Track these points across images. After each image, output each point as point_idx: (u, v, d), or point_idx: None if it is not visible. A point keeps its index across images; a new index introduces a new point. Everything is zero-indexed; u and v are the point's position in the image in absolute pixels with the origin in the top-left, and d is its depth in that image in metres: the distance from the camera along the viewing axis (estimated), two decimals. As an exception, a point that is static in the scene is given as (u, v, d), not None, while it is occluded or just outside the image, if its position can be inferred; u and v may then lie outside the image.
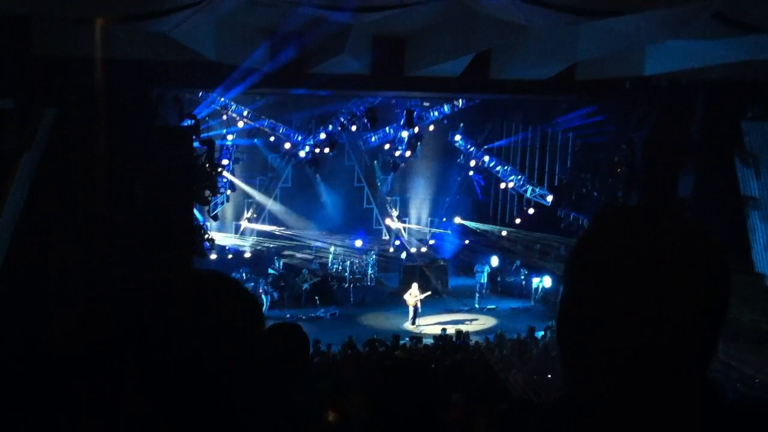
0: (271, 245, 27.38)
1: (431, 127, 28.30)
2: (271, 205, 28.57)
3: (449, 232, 29.80)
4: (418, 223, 30.75)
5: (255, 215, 28.44)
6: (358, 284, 25.40)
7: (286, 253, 27.05)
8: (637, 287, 1.36)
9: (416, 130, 26.68)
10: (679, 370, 1.37)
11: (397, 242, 28.76)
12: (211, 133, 24.08)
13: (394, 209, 30.09)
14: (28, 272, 13.09)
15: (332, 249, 26.75)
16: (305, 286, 24.53)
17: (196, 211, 21.11)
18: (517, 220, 27.96)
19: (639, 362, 1.36)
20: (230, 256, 26.64)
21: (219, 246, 25.14)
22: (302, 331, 4.89)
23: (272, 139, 27.48)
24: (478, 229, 28.73)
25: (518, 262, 26.15)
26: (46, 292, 12.38)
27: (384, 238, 28.41)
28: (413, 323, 21.87)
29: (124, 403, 1.32)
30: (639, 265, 1.37)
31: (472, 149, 28.85)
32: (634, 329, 1.36)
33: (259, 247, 27.31)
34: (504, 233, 27.98)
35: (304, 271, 25.26)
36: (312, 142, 27.04)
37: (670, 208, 1.48)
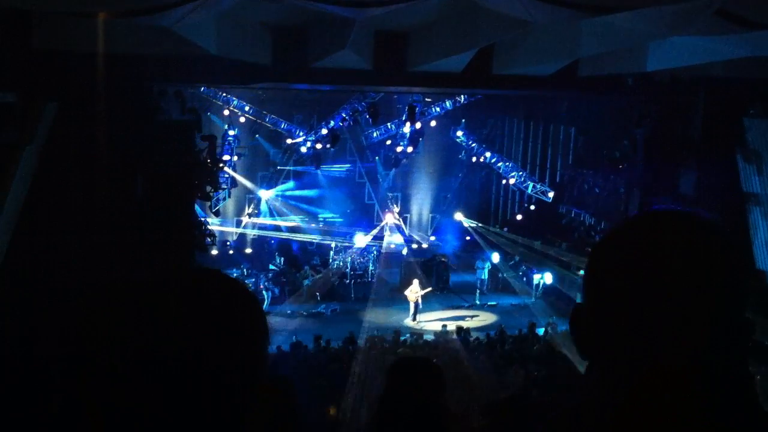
0: (272, 241, 27.41)
1: (433, 123, 28.29)
2: (272, 200, 28.59)
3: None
4: (420, 219, 30.75)
5: (256, 211, 28.46)
6: (359, 280, 25.41)
7: (286, 248, 27.05)
8: (675, 293, 1.39)
9: (418, 125, 26.68)
10: (711, 372, 1.39)
11: (400, 237, 28.74)
12: (213, 130, 24.08)
13: (395, 205, 30.09)
14: (29, 266, 13.11)
15: (333, 245, 26.76)
16: (306, 281, 24.54)
17: (197, 207, 21.13)
18: (519, 217, 27.97)
19: (674, 364, 1.39)
20: (231, 252, 26.67)
21: (220, 241, 25.17)
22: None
23: (274, 134, 27.49)
24: (478, 226, 28.70)
25: (517, 258, 26.16)
26: (47, 286, 12.39)
27: (385, 233, 28.41)
28: (414, 319, 21.87)
29: (125, 402, 1.31)
30: (673, 272, 1.40)
31: (473, 145, 28.85)
32: (669, 333, 1.39)
33: (260, 237, 27.39)
34: (505, 229, 28.03)
35: (305, 266, 25.27)
36: (313, 138, 27.05)
37: (699, 214, 1.51)
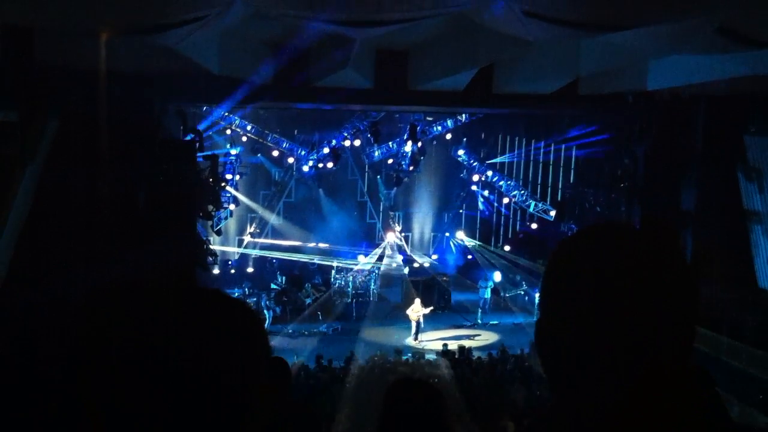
0: (274, 260, 27.39)
1: (434, 142, 28.34)
2: (274, 219, 28.59)
3: (452, 247, 29.83)
4: (421, 238, 30.73)
5: (258, 230, 28.46)
6: (360, 299, 25.37)
7: (288, 268, 27.03)
8: (614, 300, 1.44)
9: (419, 144, 26.72)
10: (661, 370, 1.42)
11: (400, 257, 28.72)
12: (214, 149, 24.11)
13: (397, 224, 30.08)
14: (30, 282, 13.09)
15: (335, 264, 26.73)
16: (308, 300, 24.51)
17: (199, 226, 21.12)
18: (520, 235, 27.95)
19: (626, 366, 1.43)
20: (233, 271, 26.64)
21: (222, 260, 25.15)
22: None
23: (276, 153, 27.55)
24: (479, 246, 28.68)
25: (519, 277, 26.11)
26: (48, 302, 12.38)
27: (387, 252, 28.40)
28: (416, 338, 21.81)
29: (124, 403, 1.31)
30: (613, 281, 1.45)
31: (475, 164, 28.88)
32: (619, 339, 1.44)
33: (262, 256, 27.37)
34: (507, 248, 28.00)
35: (306, 285, 25.24)
36: (315, 157, 27.09)
37: (632, 226, 1.59)
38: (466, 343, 20.36)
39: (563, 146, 25.39)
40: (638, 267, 1.45)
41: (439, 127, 27.33)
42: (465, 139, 28.97)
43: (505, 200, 28.56)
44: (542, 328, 1.55)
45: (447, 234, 30.39)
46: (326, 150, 26.66)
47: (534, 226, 27.10)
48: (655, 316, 1.43)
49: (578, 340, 1.47)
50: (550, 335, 1.53)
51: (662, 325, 1.44)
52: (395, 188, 29.48)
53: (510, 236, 29.09)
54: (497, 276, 26.05)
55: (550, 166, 26.59)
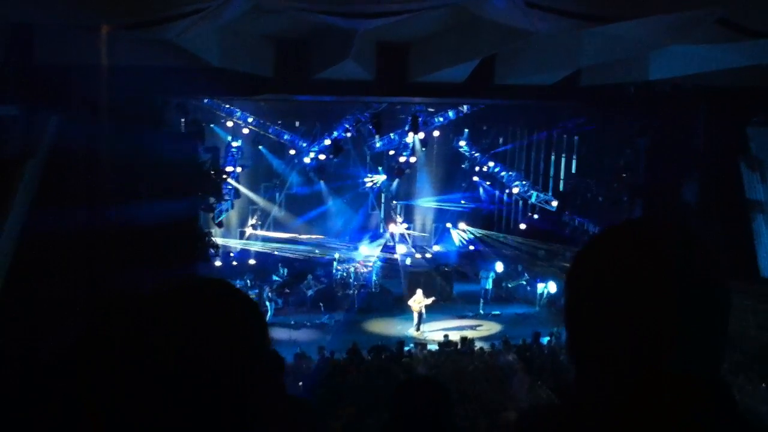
0: (276, 252, 27.39)
1: (436, 133, 28.29)
2: (275, 211, 28.58)
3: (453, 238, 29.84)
4: (423, 229, 30.73)
5: (260, 222, 28.46)
6: (362, 290, 25.38)
7: (289, 259, 27.03)
8: (636, 296, 1.44)
9: (421, 135, 26.68)
10: (676, 372, 1.42)
11: (402, 247, 28.71)
12: (216, 141, 24.12)
13: (398, 215, 30.07)
14: (32, 277, 13.11)
15: (337, 255, 26.74)
16: (310, 292, 24.50)
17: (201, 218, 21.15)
18: (522, 226, 27.94)
19: (638, 363, 1.43)
20: (235, 263, 26.64)
21: (224, 252, 25.16)
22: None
23: (277, 145, 27.53)
24: (482, 235, 28.70)
25: (520, 267, 26.11)
26: (51, 297, 12.40)
27: (388, 244, 28.40)
28: (418, 329, 21.83)
29: (125, 404, 1.32)
30: (638, 277, 1.45)
31: (477, 155, 28.84)
32: (635, 334, 1.44)
33: (264, 251, 27.35)
34: (508, 238, 28.01)
35: (308, 277, 25.25)
36: (317, 149, 27.07)
37: (669, 222, 1.58)
38: (469, 334, 20.37)
39: (565, 137, 25.38)
40: (666, 271, 1.45)
41: (441, 119, 27.29)
42: (467, 130, 28.93)
43: (507, 191, 28.55)
44: (569, 316, 1.59)
45: (449, 225, 30.38)
46: (328, 141, 26.64)
47: (536, 216, 27.10)
48: (675, 318, 1.43)
49: (600, 333, 1.49)
50: (576, 324, 1.56)
51: (683, 329, 1.43)
52: (397, 179, 29.45)
53: (512, 227, 29.07)
54: (499, 266, 26.05)
55: (552, 157, 26.57)
